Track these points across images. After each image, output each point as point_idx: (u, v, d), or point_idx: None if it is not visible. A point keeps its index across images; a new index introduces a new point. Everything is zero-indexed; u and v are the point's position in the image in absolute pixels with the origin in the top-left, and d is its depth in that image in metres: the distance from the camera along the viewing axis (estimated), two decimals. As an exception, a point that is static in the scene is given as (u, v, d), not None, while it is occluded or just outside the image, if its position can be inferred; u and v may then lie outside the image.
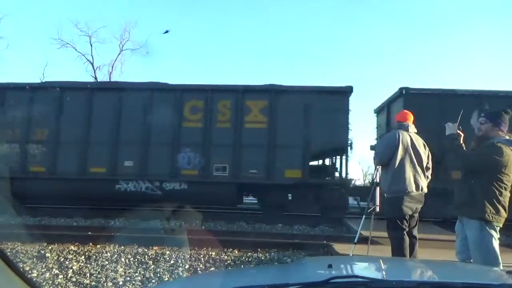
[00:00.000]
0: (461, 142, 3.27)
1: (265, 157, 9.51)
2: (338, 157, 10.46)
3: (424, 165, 4.13)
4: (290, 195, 9.81)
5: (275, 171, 9.48)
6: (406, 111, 4.50)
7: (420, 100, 9.21)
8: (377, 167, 4.45)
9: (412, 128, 4.26)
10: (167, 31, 25.26)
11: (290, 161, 9.49)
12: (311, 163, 10.35)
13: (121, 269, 4.77)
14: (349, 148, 10.27)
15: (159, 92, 10.09)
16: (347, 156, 9.99)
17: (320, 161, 11.19)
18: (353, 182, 11.24)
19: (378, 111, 11.60)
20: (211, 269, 5.04)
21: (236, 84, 10.09)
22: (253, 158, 9.52)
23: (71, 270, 4.68)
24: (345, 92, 9.77)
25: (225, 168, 9.59)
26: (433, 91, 9.50)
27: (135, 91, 10.18)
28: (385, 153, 4.12)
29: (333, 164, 10.81)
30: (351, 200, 10.81)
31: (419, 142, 4.18)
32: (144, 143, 9.73)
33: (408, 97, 9.39)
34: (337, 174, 10.43)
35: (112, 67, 25.00)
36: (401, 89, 9.54)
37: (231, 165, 9.55)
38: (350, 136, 10.06)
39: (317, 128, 9.49)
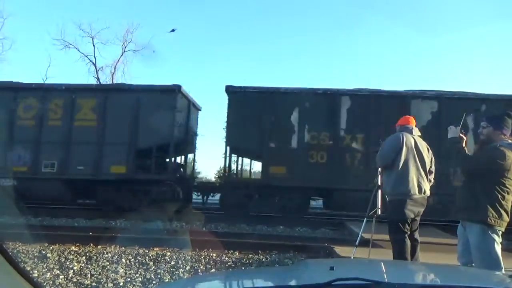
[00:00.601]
0: (463, 145, 3.25)
1: (93, 153, 9.77)
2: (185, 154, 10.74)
3: (427, 169, 4.12)
4: (120, 190, 9.85)
5: (101, 167, 9.75)
6: (407, 115, 4.52)
7: (244, 97, 9.70)
8: (379, 169, 4.43)
9: (416, 131, 4.25)
10: (173, 30, 25.48)
11: (116, 157, 9.75)
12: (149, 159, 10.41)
13: (122, 270, 4.77)
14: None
15: None
16: (170, 153, 10.11)
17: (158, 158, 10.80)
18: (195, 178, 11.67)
19: None
20: (212, 270, 5.03)
21: (69, 83, 10.43)
22: (81, 155, 9.80)
23: (72, 271, 4.68)
24: (173, 91, 9.99)
25: (54, 165, 9.85)
26: (255, 89, 9.82)
27: None
28: (388, 154, 4.11)
29: (167, 161, 10.65)
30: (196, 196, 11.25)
31: (423, 145, 4.16)
32: None
33: (232, 95, 9.82)
34: (182, 170, 10.69)
35: (115, 68, 25.12)
36: (226, 87, 9.88)
37: (60, 161, 9.83)
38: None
39: (145, 126, 9.72)
